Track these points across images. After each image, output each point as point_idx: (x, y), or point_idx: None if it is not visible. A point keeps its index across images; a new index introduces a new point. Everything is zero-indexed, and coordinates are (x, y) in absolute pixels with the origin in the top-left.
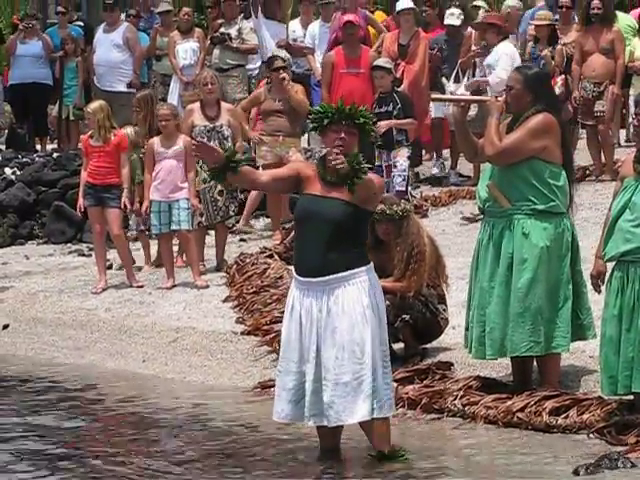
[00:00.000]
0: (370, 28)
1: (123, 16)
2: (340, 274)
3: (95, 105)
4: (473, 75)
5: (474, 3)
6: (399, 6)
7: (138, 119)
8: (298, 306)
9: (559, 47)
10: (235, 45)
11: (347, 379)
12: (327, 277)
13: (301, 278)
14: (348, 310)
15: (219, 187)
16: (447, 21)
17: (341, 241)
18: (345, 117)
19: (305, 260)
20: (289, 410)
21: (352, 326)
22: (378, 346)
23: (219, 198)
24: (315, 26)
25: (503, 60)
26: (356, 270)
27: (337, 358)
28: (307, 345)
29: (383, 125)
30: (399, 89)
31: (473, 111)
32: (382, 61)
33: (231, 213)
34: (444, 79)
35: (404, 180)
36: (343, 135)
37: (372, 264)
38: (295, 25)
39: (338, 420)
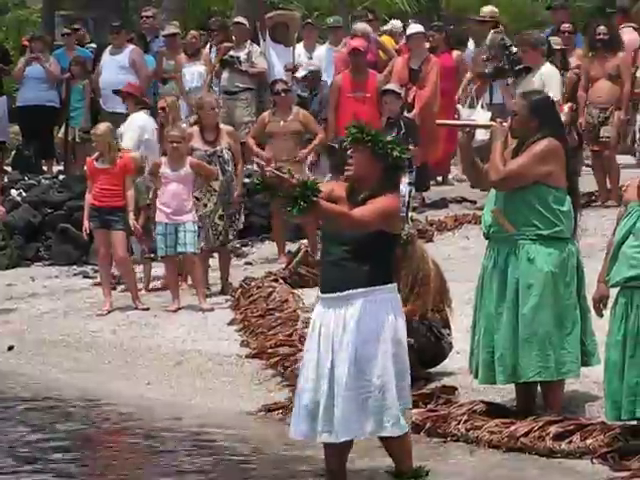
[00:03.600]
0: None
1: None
2: (359, 290)
3: (104, 127)
4: (490, 100)
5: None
6: (410, 30)
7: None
8: (319, 323)
9: (570, 74)
10: (244, 68)
11: (355, 395)
12: (345, 292)
13: (322, 295)
14: (362, 327)
15: (219, 212)
16: None
17: (361, 260)
18: (352, 138)
19: (327, 277)
20: (305, 427)
21: (365, 342)
22: (392, 364)
23: (219, 223)
24: (323, 50)
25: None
26: (376, 288)
27: (349, 374)
28: (323, 361)
29: None
30: (410, 114)
31: (486, 136)
32: (393, 86)
33: (231, 237)
34: (459, 105)
35: (403, 205)
36: (350, 153)
37: (395, 285)
38: (299, 49)
39: (346, 435)
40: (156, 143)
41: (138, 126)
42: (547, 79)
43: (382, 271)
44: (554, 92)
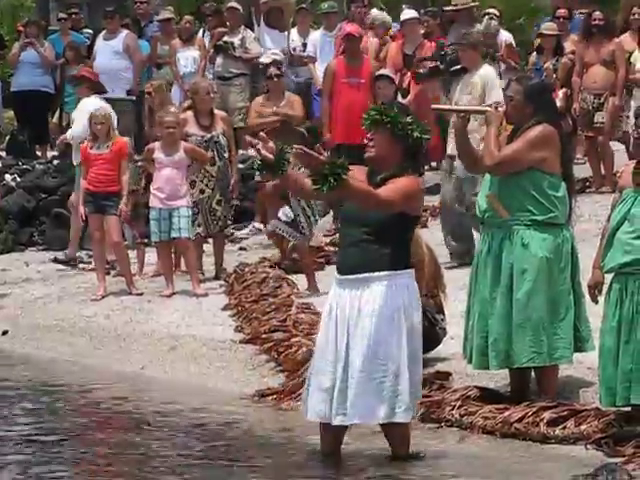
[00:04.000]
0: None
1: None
2: (375, 273)
3: (107, 112)
4: None
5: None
6: (404, 16)
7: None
8: (335, 305)
9: (564, 60)
10: (238, 54)
11: (369, 379)
12: (362, 275)
13: (339, 276)
14: (377, 310)
15: (217, 197)
16: None
17: (382, 243)
18: (372, 120)
19: (345, 258)
20: (325, 409)
21: (379, 327)
22: (406, 349)
23: (217, 208)
24: (317, 35)
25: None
26: (391, 272)
27: (364, 357)
28: (340, 343)
29: None
30: (405, 100)
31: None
32: (386, 71)
33: (228, 222)
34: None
35: None
36: (370, 134)
37: (412, 270)
38: (293, 35)
39: (359, 419)
40: None
41: (89, 111)
42: (490, 80)
43: (404, 255)
44: (496, 93)
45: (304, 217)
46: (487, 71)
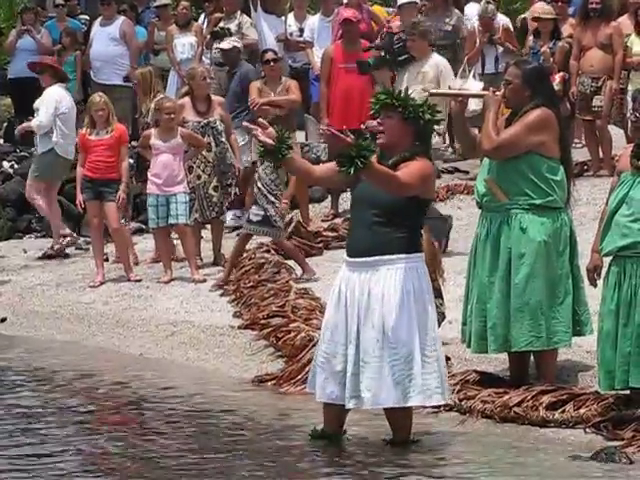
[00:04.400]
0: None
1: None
2: (386, 256)
3: (105, 99)
4: (482, 70)
5: None
6: (401, 0)
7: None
8: (344, 288)
9: (561, 44)
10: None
11: (382, 363)
12: (372, 258)
13: (349, 259)
14: (388, 294)
15: (214, 183)
16: None
17: (390, 225)
18: (382, 104)
19: (356, 240)
20: (338, 391)
21: (390, 310)
22: (417, 334)
23: (214, 194)
24: (315, 20)
25: None
26: (403, 255)
27: (376, 342)
28: (350, 327)
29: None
30: None
31: (478, 106)
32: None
33: (225, 209)
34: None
35: None
36: (380, 119)
37: (423, 254)
38: (290, 19)
39: (374, 403)
40: (73, 117)
41: (54, 100)
42: (444, 69)
43: (415, 238)
44: (449, 82)
45: (273, 210)
46: (439, 60)
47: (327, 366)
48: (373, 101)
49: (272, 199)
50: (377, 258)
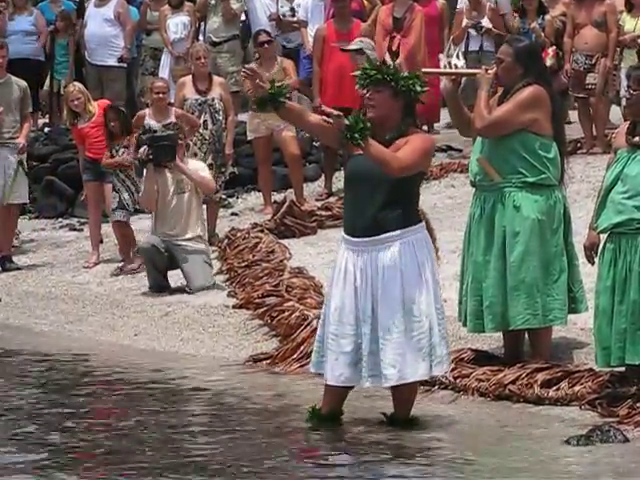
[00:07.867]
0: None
1: None
2: (393, 232)
3: (78, 87)
4: (466, 49)
5: None
6: None
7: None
8: (352, 267)
9: (548, 18)
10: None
11: (406, 338)
12: (381, 236)
13: (354, 239)
14: (403, 268)
15: (209, 161)
16: None
17: (393, 201)
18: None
19: (358, 221)
20: (348, 373)
21: (408, 284)
22: (433, 303)
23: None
24: None
25: None
26: (409, 228)
27: (395, 317)
28: (362, 306)
29: None
30: (395, 63)
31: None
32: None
33: (219, 187)
34: (440, 54)
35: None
36: (369, 94)
37: (424, 223)
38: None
39: (400, 379)
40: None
41: None
42: None
43: (414, 209)
44: None
45: (127, 193)
46: None
47: (335, 347)
48: (360, 75)
49: (130, 185)
50: (384, 236)
